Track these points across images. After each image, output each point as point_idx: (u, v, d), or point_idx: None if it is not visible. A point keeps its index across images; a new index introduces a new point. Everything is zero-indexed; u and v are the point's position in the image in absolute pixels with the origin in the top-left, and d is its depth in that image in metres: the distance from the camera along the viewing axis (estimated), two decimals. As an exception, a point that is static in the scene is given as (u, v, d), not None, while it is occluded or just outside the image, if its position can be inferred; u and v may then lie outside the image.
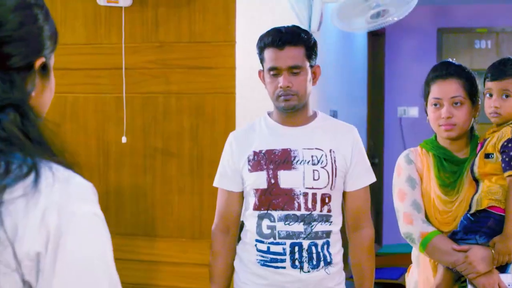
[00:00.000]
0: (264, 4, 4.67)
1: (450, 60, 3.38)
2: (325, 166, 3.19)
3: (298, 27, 3.26)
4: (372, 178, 3.35)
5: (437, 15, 9.26)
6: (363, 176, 3.30)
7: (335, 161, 3.21)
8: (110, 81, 4.38)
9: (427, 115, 3.34)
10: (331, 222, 3.21)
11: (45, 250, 1.28)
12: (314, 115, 3.33)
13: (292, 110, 3.21)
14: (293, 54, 3.16)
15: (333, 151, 3.22)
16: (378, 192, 8.66)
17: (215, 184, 3.38)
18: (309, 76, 3.21)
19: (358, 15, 5.14)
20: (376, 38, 9.08)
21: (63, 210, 1.30)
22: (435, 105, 3.26)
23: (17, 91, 1.36)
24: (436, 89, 3.26)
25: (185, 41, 4.25)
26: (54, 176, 1.33)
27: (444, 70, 3.27)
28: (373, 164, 3.87)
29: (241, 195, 3.33)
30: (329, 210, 3.20)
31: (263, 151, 3.22)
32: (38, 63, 1.43)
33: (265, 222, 3.19)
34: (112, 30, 4.35)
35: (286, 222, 3.15)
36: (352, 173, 3.26)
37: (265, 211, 3.19)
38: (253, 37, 4.32)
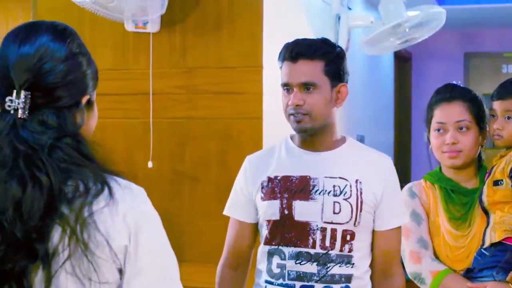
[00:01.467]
0: (290, 30, 4.68)
1: (455, 83, 3.11)
2: (349, 198, 2.71)
3: (323, 40, 2.84)
4: (405, 219, 2.87)
5: (464, 39, 9.25)
6: (395, 214, 2.80)
7: (361, 193, 2.72)
8: (138, 106, 4.40)
9: (429, 142, 3.08)
10: (353, 264, 2.72)
11: (129, 242, 1.67)
12: (342, 140, 2.86)
13: (306, 133, 2.77)
14: (306, 69, 2.72)
15: (360, 182, 2.73)
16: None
17: (225, 212, 2.97)
18: (329, 95, 2.74)
19: (385, 41, 5.15)
20: (403, 62, 9.07)
21: (136, 210, 1.69)
22: (438, 130, 3.01)
23: (70, 124, 1.70)
24: (440, 113, 3.01)
25: (213, 66, 4.27)
26: (120, 186, 1.70)
27: (448, 92, 3.02)
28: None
29: (255, 227, 2.90)
30: (351, 250, 2.71)
31: (278, 177, 2.78)
32: (84, 100, 1.76)
33: (276, 260, 2.75)
34: (140, 56, 4.38)
35: (297, 261, 2.69)
36: (383, 210, 2.76)
37: (276, 247, 2.75)
38: (280, 63, 4.34)
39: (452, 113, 2.99)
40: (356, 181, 2.74)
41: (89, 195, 1.63)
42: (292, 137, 2.89)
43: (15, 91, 1.67)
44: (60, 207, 1.61)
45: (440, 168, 3.10)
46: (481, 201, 2.90)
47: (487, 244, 2.85)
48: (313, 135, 2.78)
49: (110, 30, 4.43)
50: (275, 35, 4.36)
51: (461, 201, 2.99)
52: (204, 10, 4.29)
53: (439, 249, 2.98)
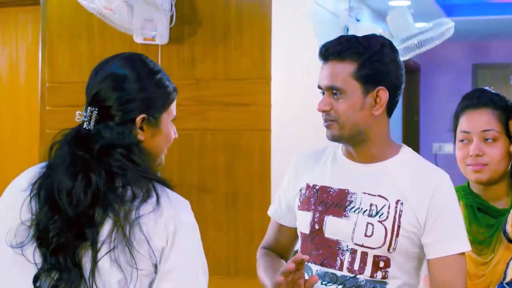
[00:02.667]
0: (299, 41, 4.69)
1: (486, 88, 2.76)
2: (384, 220, 2.39)
3: (362, 37, 2.48)
4: (464, 246, 2.41)
5: (472, 51, 9.25)
6: (449, 239, 2.39)
7: (400, 216, 2.38)
8: (147, 117, 4.41)
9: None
10: None
11: (166, 244, 1.95)
12: (395, 150, 2.52)
13: (338, 141, 2.50)
14: (332, 71, 2.42)
15: (401, 203, 2.39)
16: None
17: (268, 211, 2.75)
18: (359, 102, 2.41)
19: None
20: (411, 73, 9.07)
21: (177, 219, 1.98)
22: (462, 140, 2.67)
23: (122, 137, 2.02)
24: (465, 121, 2.67)
25: (221, 78, 4.27)
26: (169, 196, 2.02)
27: (476, 98, 2.67)
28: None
29: (295, 231, 2.64)
30: (384, 277, 2.39)
31: (317, 187, 2.52)
32: (138, 119, 2.05)
33: (305, 276, 2.39)
34: (149, 68, 4.39)
35: (323, 282, 2.44)
36: (431, 235, 2.38)
37: (306, 263, 2.40)
38: (288, 74, 4.35)
39: (478, 121, 2.63)
40: (397, 201, 2.40)
41: (137, 199, 1.94)
42: (343, 146, 2.57)
43: (84, 107, 2.06)
44: (113, 203, 1.93)
45: (469, 183, 2.74)
46: (505, 232, 2.53)
47: (508, 278, 2.44)
48: (352, 144, 2.48)
49: (119, 42, 4.44)
50: (284, 47, 4.37)
51: (487, 222, 2.65)
52: (212, 22, 4.30)
53: None
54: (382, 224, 2.38)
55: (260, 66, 4.19)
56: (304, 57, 4.60)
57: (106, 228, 1.93)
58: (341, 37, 2.48)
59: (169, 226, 1.96)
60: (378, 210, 2.40)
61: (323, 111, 2.43)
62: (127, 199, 1.95)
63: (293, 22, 4.60)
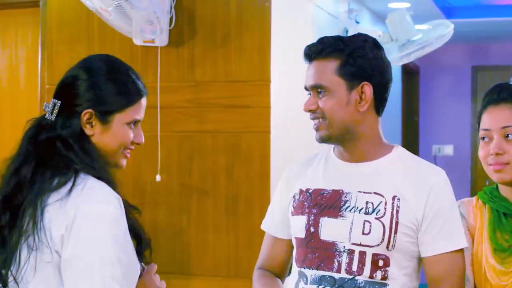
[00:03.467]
0: (298, 44, 4.69)
1: (508, 82, 2.60)
2: (381, 217, 2.34)
3: (353, 35, 2.49)
4: (460, 243, 2.38)
5: (471, 53, 9.25)
6: (444, 237, 2.36)
7: (397, 212, 2.34)
8: (145, 119, 4.35)
9: None
10: None
11: (65, 232, 1.99)
12: (388, 149, 2.48)
13: (327, 142, 2.45)
14: (317, 70, 2.41)
15: (398, 199, 2.35)
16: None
17: (262, 226, 2.69)
18: (344, 98, 2.38)
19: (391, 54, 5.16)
20: (410, 75, 9.07)
21: (80, 208, 1.99)
22: (483, 138, 2.49)
23: (68, 130, 2.13)
24: (486, 118, 2.49)
25: (221, 80, 4.28)
26: (86, 186, 2.03)
27: (496, 94, 2.50)
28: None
29: (290, 244, 2.56)
30: (384, 278, 2.33)
31: (310, 190, 2.47)
32: (84, 113, 2.13)
33: (300, 284, 2.42)
34: (148, 70, 4.39)
35: (320, 286, 2.36)
36: (427, 232, 2.36)
37: (300, 268, 2.43)
38: (288, 76, 4.35)
39: (498, 117, 2.46)
40: (394, 197, 2.35)
41: (52, 185, 2.04)
42: (334, 147, 2.54)
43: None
44: (34, 192, 2.05)
45: (498, 184, 2.55)
46: None
47: None
48: (342, 143, 2.45)
49: (119, 44, 4.44)
50: (283, 49, 4.37)
51: None
52: (212, 24, 4.30)
53: (479, 285, 2.48)
54: (380, 221, 2.33)
55: (260, 68, 4.19)
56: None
57: (26, 216, 2.04)
58: (324, 37, 2.46)
59: (69, 215, 2.00)
60: (374, 207, 2.35)
61: (309, 111, 2.41)
62: (51, 188, 2.04)
63: (292, 24, 4.61)
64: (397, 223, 2.33)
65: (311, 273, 2.38)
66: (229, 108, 4.25)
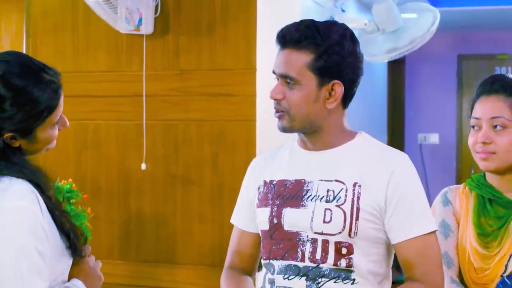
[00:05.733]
0: (284, 32, 4.69)
1: (503, 74, 2.68)
2: (342, 204, 2.29)
3: (330, 24, 2.40)
4: (429, 226, 2.32)
5: (457, 42, 9.26)
6: (412, 222, 2.31)
7: (358, 198, 2.29)
8: (131, 108, 4.40)
9: None
10: (354, 281, 2.31)
11: None
12: (351, 136, 2.43)
13: (289, 132, 2.40)
14: (288, 59, 2.34)
15: (359, 186, 2.31)
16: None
17: (231, 220, 2.68)
18: (313, 94, 2.33)
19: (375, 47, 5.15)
20: (396, 65, 9.08)
21: None
22: (473, 127, 2.55)
23: None
24: (478, 108, 2.55)
25: (206, 68, 4.27)
26: (5, 187, 2.05)
27: (489, 84, 2.56)
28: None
29: (257, 237, 2.53)
30: (349, 265, 2.30)
31: (274, 182, 2.43)
32: (5, 137, 2.12)
33: (268, 275, 2.40)
34: (134, 58, 4.38)
35: (286, 276, 2.34)
36: (393, 218, 2.30)
37: (267, 260, 2.40)
38: (273, 65, 4.35)
39: (488, 108, 2.52)
40: (355, 184, 2.31)
41: None
42: (298, 136, 2.49)
43: None
44: None
45: (485, 173, 2.61)
46: None
47: (509, 271, 2.42)
48: (305, 133, 2.40)
49: (104, 32, 4.43)
50: (269, 37, 4.34)
51: (497, 214, 2.53)
52: (197, 13, 4.29)
53: (464, 268, 2.54)
54: (340, 208, 2.29)
55: (245, 56, 4.19)
56: (289, 47, 4.60)
57: None
58: (301, 22, 2.39)
59: None
60: (335, 195, 2.31)
61: (275, 99, 2.34)
62: None
63: (278, 12, 4.59)
64: (358, 209, 2.29)
65: (278, 264, 2.36)
66: (214, 96, 4.24)
